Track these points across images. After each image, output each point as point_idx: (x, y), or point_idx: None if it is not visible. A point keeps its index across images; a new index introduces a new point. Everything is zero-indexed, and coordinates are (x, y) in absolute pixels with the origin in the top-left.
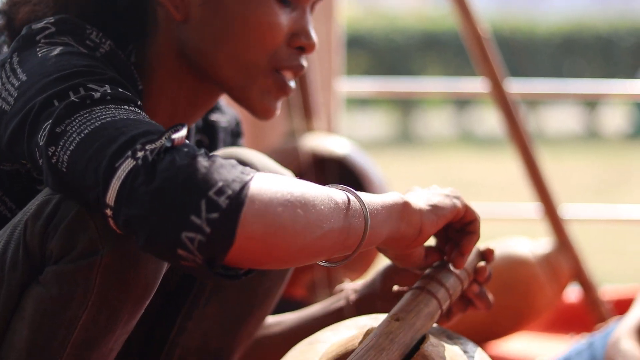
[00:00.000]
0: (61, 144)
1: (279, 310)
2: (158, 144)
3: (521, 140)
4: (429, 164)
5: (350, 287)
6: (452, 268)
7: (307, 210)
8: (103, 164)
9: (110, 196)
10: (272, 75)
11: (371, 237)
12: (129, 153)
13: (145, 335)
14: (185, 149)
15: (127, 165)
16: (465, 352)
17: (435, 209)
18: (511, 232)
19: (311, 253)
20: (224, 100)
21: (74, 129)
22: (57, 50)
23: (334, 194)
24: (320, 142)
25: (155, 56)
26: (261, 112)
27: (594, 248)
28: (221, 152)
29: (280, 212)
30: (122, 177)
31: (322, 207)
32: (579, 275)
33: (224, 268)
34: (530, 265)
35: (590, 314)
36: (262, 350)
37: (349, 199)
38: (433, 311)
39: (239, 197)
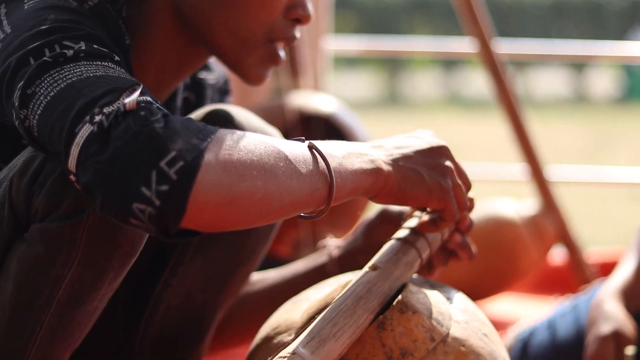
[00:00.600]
0: (31, 106)
1: (263, 268)
2: (115, 106)
3: (509, 101)
4: (415, 125)
5: (333, 243)
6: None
7: (266, 181)
8: (65, 130)
9: (72, 163)
10: (266, 46)
11: (335, 195)
12: (87, 118)
13: (129, 292)
14: (142, 113)
15: (84, 130)
16: (447, 298)
17: (405, 198)
18: (497, 193)
19: (271, 219)
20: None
21: (42, 90)
22: (43, 2)
23: (298, 157)
24: (307, 100)
25: (150, 12)
26: (252, 79)
27: (580, 210)
28: (207, 109)
29: (236, 183)
30: (81, 143)
31: (284, 177)
32: (564, 237)
33: (183, 232)
34: (516, 226)
35: (575, 276)
36: (245, 307)
37: (313, 161)
38: (412, 260)
39: (191, 169)
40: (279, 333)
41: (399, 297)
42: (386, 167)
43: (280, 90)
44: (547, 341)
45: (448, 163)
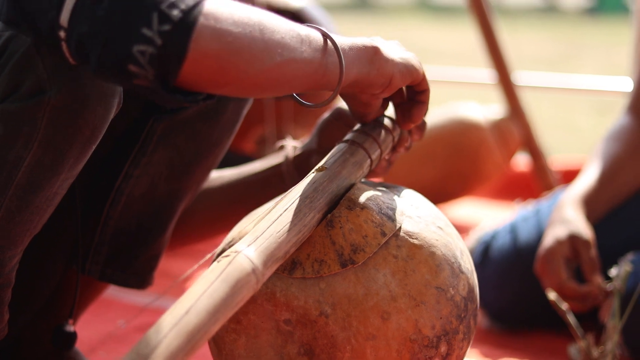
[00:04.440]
0: None
1: (227, 164)
2: None
3: (479, 7)
4: (386, 30)
5: (291, 143)
6: (382, 121)
7: (264, 34)
8: None
9: (64, 17)
10: None
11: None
12: None
13: (90, 182)
14: None
15: None
16: (399, 195)
17: (406, 62)
18: (464, 97)
19: (271, 80)
20: None
21: None
22: None
23: (299, 28)
24: None
25: None
26: None
27: (545, 118)
28: None
29: (235, 31)
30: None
31: (283, 34)
32: (529, 143)
33: (182, 93)
34: (481, 129)
35: (538, 181)
36: (203, 203)
37: (316, 36)
38: (360, 160)
39: (192, 11)
40: (233, 244)
41: (347, 194)
42: (386, 52)
43: None
44: (508, 244)
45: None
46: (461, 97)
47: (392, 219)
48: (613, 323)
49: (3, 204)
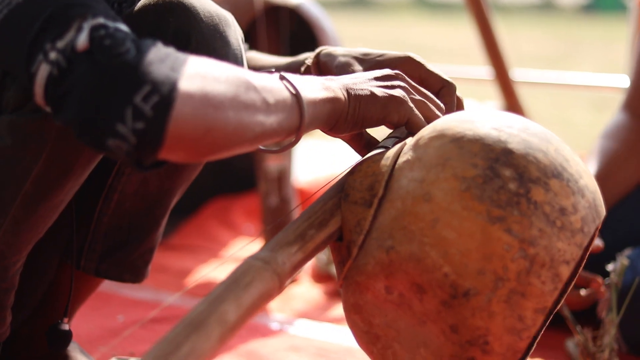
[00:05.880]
0: None
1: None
2: (69, 37)
3: (477, 4)
4: (383, 27)
5: (338, 51)
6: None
7: (239, 112)
8: (22, 71)
9: (40, 101)
10: None
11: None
12: (41, 57)
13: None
14: (107, 43)
15: (43, 71)
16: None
17: (362, 118)
18: (462, 94)
19: (244, 149)
20: None
21: None
22: None
23: (268, 88)
24: None
25: None
26: None
27: (543, 115)
28: None
29: (211, 115)
30: (43, 85)
31: (254, 109)
32: None
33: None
34: None
35: None
36: None
37: (283, 92)
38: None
39: (166, 103)
40: None
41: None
42: (341, 93)
43: None
44: None
45: (401, 82)
46: (459, 93)
47: (389, 146)
48: (610, 317)
49: (10, 213)
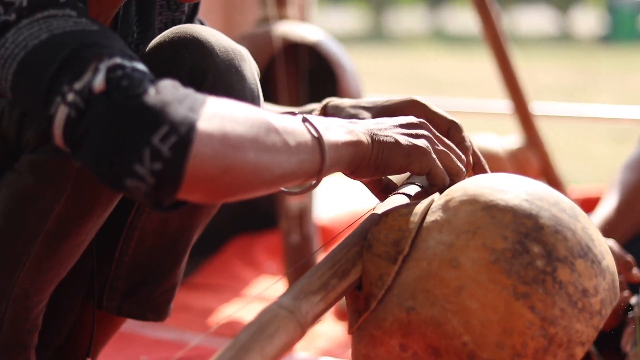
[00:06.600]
0: None
1: None
2: (86, 79)
3: (494, 37)
4: (401, 61)
5: (345, 102)
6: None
7: (258, 153)
8: (40, 113)
9: (59, 142)
10: None
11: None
12: (59, 99)
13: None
14: (124, 84)
15: (61, 113)
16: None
17: (385, 165)
18: (481, 128)
19: (263, 191)
20: None
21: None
22: None
23: (289, 129)
24: (293, 28)
25: None
26: None
27: (562, 148)
28: (174, 29)
29: (229, 155)
30: (62, 127)
31: (275, 151)
32: (547, 172)
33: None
34: (499, 160)
35: None
36: None
37: (305, 134)
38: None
39: (184, 144)
40: None
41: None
42: (364, 138)
43: (266, 20)
44: None
45: (425, 132)
46: (478, 128)
47: (410, 194)
48: (635, 350)
49: (32, 251)
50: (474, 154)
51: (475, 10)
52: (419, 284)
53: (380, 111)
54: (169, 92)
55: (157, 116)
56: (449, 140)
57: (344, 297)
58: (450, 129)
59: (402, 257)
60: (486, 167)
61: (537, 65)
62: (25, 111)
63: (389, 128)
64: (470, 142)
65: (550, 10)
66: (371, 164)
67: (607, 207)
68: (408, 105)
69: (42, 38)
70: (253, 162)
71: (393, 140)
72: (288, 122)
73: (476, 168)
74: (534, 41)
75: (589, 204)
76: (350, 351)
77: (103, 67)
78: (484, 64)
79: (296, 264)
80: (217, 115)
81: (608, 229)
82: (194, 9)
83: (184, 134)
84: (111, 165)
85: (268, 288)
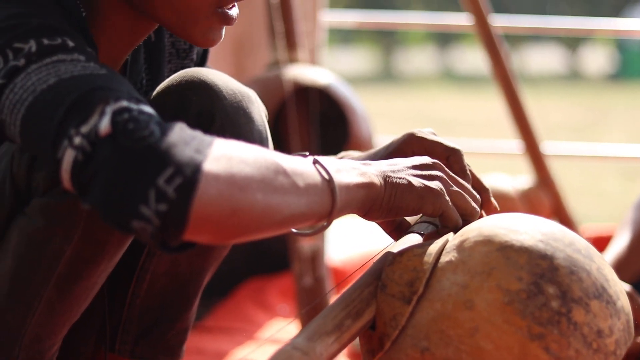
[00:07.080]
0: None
1: None
2: (92, 122)
3: (504, 76)
4: (410, 101)
5: (354, 154)
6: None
7: (266, 194)
8: (48, 156)
9: (67, 185)
10: (214, 14)
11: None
12: (66, 142)
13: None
14: (130, 127)
15: (68, 156)
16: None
17: (397, 207)
18: (492, 168)
19: (272, 232)
20: None
21: (6, 115)
22: None
23: (298, 171)
24: (303, 71)
25: None
26: (204, 44)
27: (574, 187)
28: (182, 73)
29: (236, 196)
30: (69, 170)
31: (284, 192)
32: (559, 212)
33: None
34: (511, 200)
35: None
36: None
37: (315, 176)
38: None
39: (190, 185)
40: None
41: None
42: (377, 180)
43: (276, 63)
44: None
45: (439, 173)
46: (489, 168)
47: (422, 232)
48: None
49: (44, 294)
50: (478, 182)
51: (484, 49)
52: (433, 325)
53: (384, 157)
54: (175, 134)
55: (163, 158)
56: (449, 169)
57: (357, 338)
58: (449, 157)
59: (417, 298)
60: (493, 201)
61: (547, 103)
62: (34, 155)
63: (403, 170)
64: (471, 171)
65: (559, 48)
66: (384, 206)
67: (618, 246)
68: (407, 142)
69: (50, 83)
70: (261, 203)
71: (406, 182)
72: (298, 164)
73: (482, 198)
74: (543, 80)
75: (601, 243)
76: None
77: (109, 110)
78: (494, 104)
79: (309, 306)
80: (224, 156)
81: (620, 268)
82: (203, 56)
83: (189, 175)
84: (117, 208)
85: (281, 330)
